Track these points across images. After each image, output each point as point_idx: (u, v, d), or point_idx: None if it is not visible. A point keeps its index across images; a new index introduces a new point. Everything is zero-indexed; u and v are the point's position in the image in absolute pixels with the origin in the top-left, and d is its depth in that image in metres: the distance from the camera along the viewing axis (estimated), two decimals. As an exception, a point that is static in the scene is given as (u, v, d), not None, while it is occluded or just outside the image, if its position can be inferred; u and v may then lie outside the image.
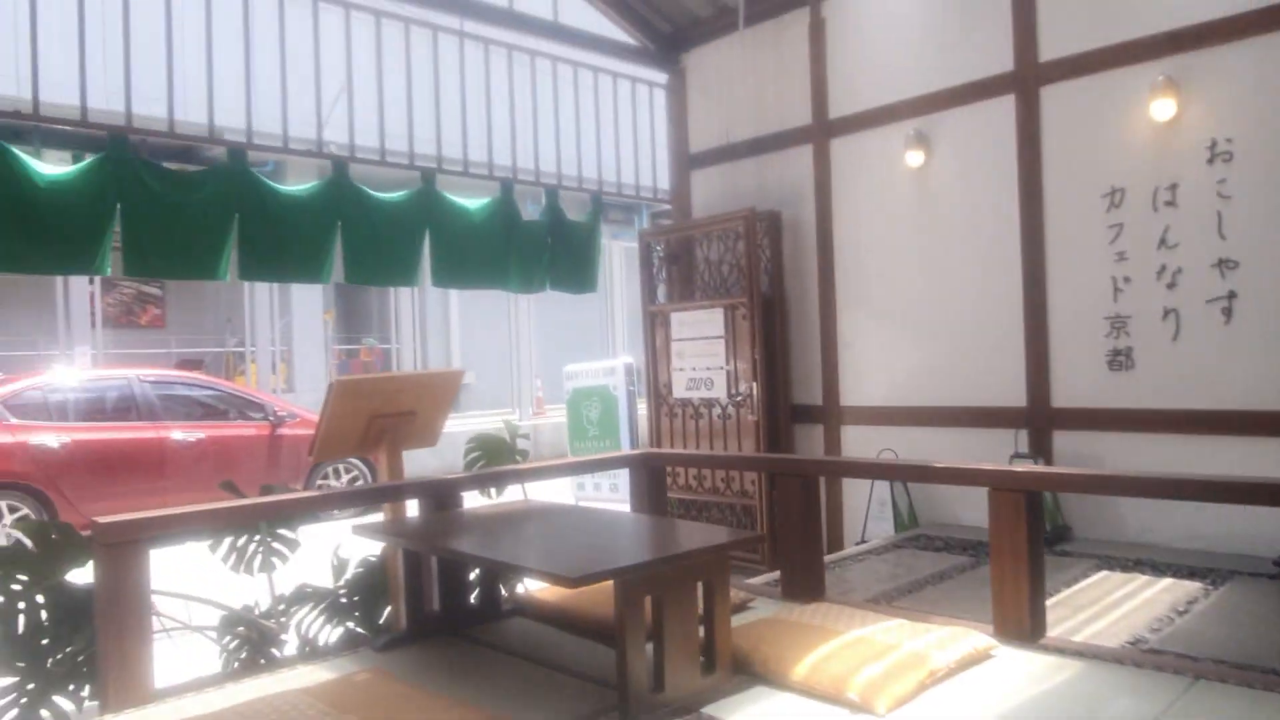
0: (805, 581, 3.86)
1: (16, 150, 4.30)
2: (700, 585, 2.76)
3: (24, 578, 3.01)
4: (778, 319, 6.52)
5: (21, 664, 2.97)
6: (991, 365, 5.59)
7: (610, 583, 2.52)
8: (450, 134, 6.01)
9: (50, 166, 4.44)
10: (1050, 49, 5.29)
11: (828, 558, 5.23)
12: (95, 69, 4.70)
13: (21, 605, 3.00)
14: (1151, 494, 3.38)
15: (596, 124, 6.91)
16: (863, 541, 5.87)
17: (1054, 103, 5.30)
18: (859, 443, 6.26)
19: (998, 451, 5.44)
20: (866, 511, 6.00)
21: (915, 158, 5.83)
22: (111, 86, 4.90)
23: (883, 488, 5.88)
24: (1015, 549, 3.21)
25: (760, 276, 6.44)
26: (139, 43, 4.78)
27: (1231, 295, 4.69)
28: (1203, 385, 4.80)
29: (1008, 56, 5.45)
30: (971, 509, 5.56)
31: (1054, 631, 3.34)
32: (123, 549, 2.82)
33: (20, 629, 2.99)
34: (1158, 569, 4.55)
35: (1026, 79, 5.37)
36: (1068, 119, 5.24)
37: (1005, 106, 5.47)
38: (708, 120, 7.18)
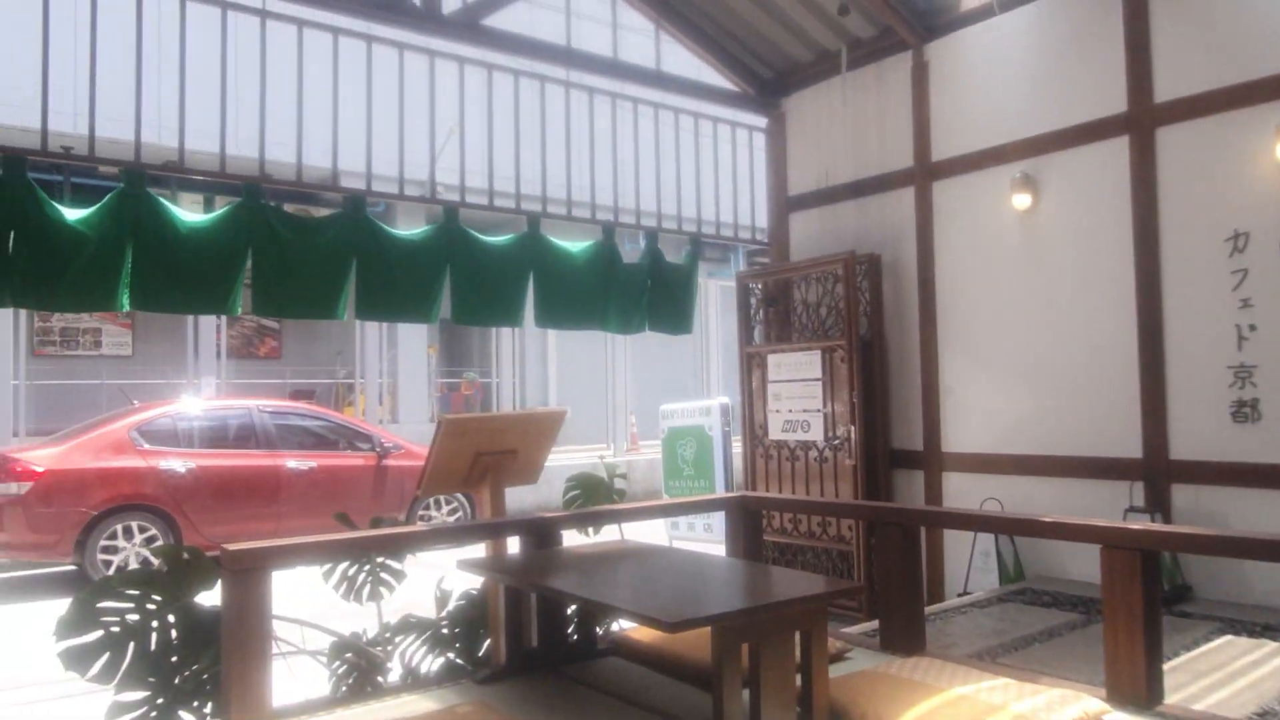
0: (905, 634, 3.78)
1: (164, 200, 4.66)
2: (798, 634, 2.75)
3: (158, 598, 3.22)
4: (876, 362, 6.45)
5: (152, 679, 3.16)
6: (1104, 414, 5.39)
7: (707, 628, 2.54)
8: (555, 178, 6.22)
9: (188, 212, 4.80)
10: (1166, 90, 5.13)
11: (928, 609, 5.10)
12: (230, 118, 5.07)
13: (154, 624, 3.21)
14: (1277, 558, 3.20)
15: (696, 167, 7.02)
16: (965, 593, 5.70)
17: (1171, 145, 5.13)
18: (961, 491, 6.10)
19: (1111, 504, 5.23)
20: (969, 562, 5.83)
21: (1022, 200, 5.72)
22: (243, 135, 5.27)
23: (986, 538, 5.70)
24: (1130, 610, 3.09)
25: (859, 319, 6.39)
26: (270, 97, 5.13)
27: (1370, 345, 4.42)
28: (1338, 440, 4.52)
29: (1121, 98, 5.32)
30: (1082, 563, 5.34)
31: (1172, 698, 3.18)
32: (248, 575, 3.00)
33: (152, 646, 3.19)
34: (1289, 636, 4.28)
35: (1141, 120, 5.23)
36: (1186, 161, 5.07)
37: (1118, 148, 5.33)
38: (807, 163, 7.21)
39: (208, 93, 4.88)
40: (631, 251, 6.55)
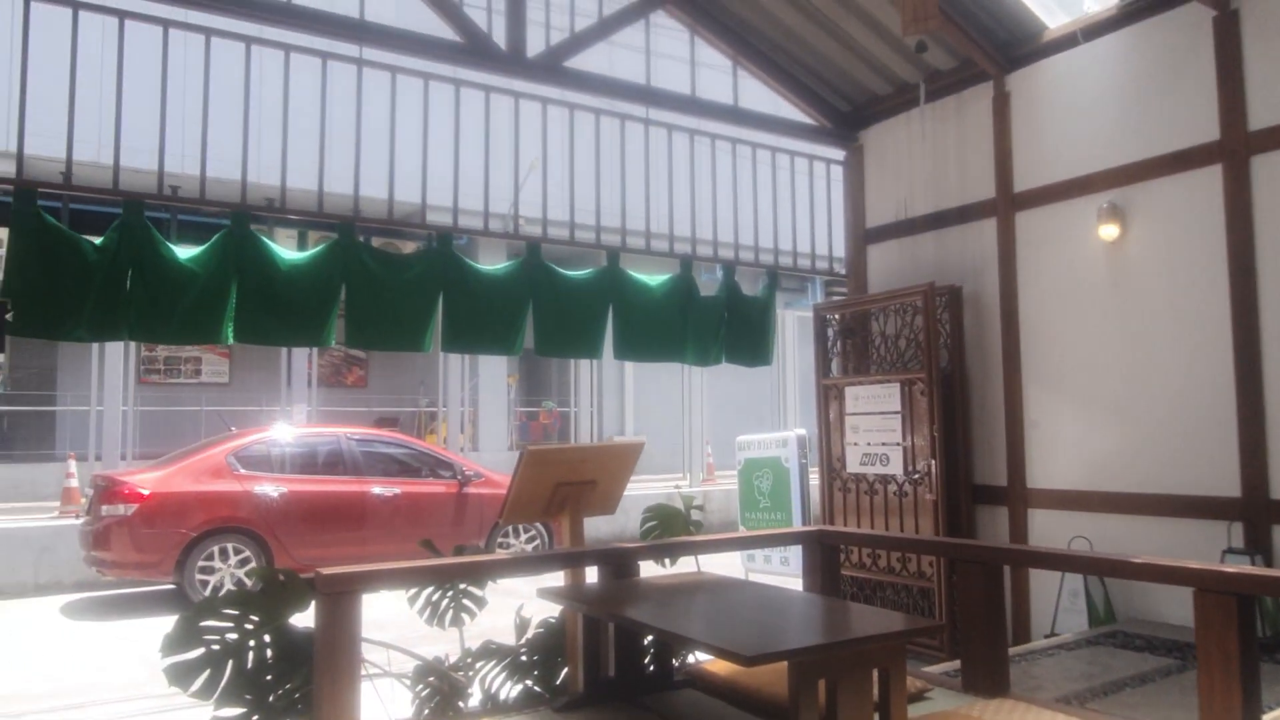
0: (988, 675, 3.70)
1: (264, 238, 4.93)
2: (876, 672, 2.74)
3: (256, 618, 3.38)
4: (958, 395, 6.35)
5: (249, 697, 3.31)
6: (1199, 451, 5.20)
7: (783, 663, 2.56)
8: (634, 213, 6.35)
9: (287, 250, 5.07)
10: (1261, 118, 4.98)
11: (1013, 650, 4.97)
12: (326, 160, 5.34)
13: (252, 643, 3.37)
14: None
15: (773, 200, 7.07)
16: (1052, 634, 5.52)
17: (1267, 173, 4.97)
18: (1048, 528, 5.94)
19: (1208, 545, 5.02)
20: (1057, 602, 5.66)
21: (1109, 231, 5.59)
22: (338, 173, 5.54)
23: (1075, 578, 5.53)
24: (1225, 657, 2.98)
25: (939, 351, 6.31)
26: (364, 138, 5.40)
27: None
28: None
29: (1213, 126, 5.18)
30: (1178, 605, 5.13)
31: (1273, 752, 3.05)
32: (340, 599, 3.13)
33: (249, 665, 3.34)
34: (1406, 689, 4.04)
35: (1235, 149, 5.08)
36: (1283, 190, 4.90)
37: (1210, 177, 5.18)
38: (885, 195, 7.18)
39: (307, 136, 5.17)
40: (709, 284, 6.63)
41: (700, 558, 4.46)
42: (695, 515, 4.84)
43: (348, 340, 5.23)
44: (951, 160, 6.66)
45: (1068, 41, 5.91)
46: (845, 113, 7.40)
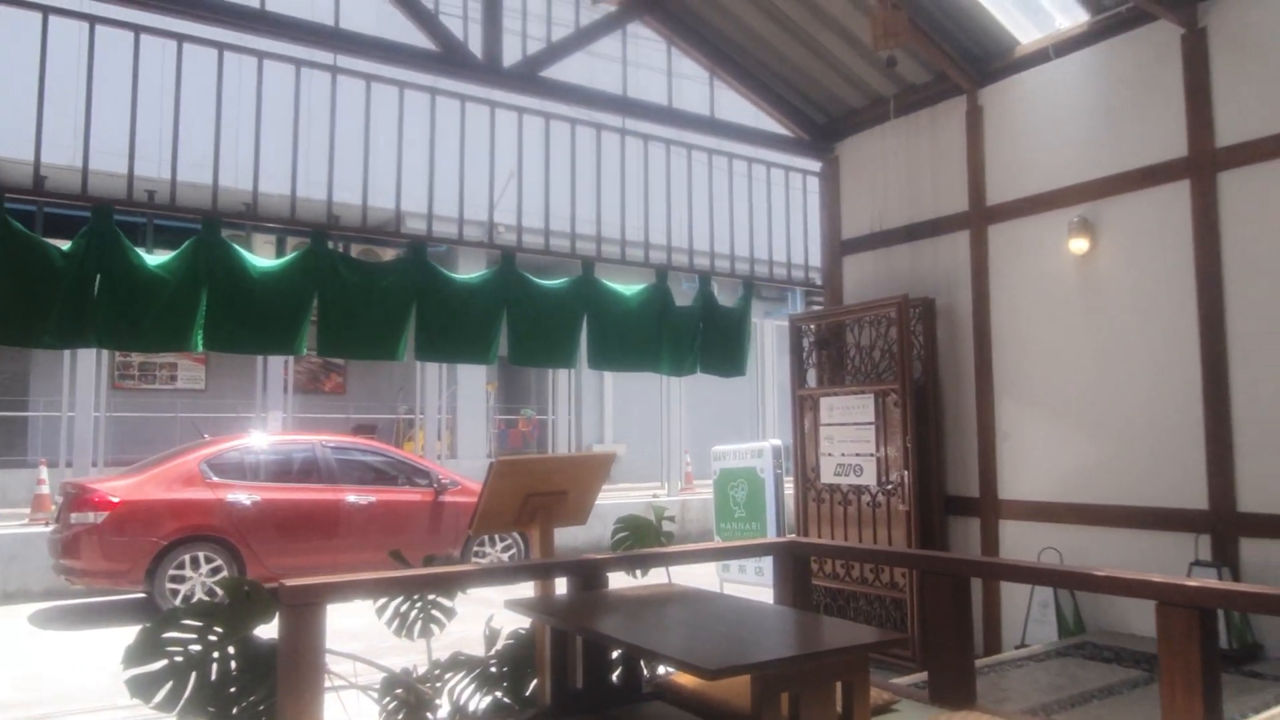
0: (955, 687, 3.72)
1: (236, 246, 4.90)
2: (841, 685, 2.75)
3: (219, 630, 3.34)
4: (931, 407, 6.39)
5: (212, 709, 3.28)
6: (1167, 463, 5.26)
7: (749, 675, 2.56)
8: (610, 222, 6.35)
9: (259, 257, 5.03)
10: (1228, 134, 5.06)
11: (982, 662, 5.00)
12: (301, 166, 5.31)
13: (215, 655, 3.33)
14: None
15: (750, 210, 7.09)
16: (1022, 646, 5.56)
17: (1234, 189, 5.04)
18: (1019, 539, 5.98)
19: (1176, 557, 5.08)
20: (1027, 614, 5.69)
21: (1080, 245, 5.65)
22: (313, 179, 5.51)
23: (1045, 589, 5.56)
24: (1187, 670, 3.01)
25: (913, 363, 6.35)
26: (338, 145, 5.37)
27: None
28: None
29: (1181, 142, 5.25)
30: (1146, 617, 5.13)
31: (1234, 764, 3.07)
32: (303, 610, 3.11)
33: (213, 677, 3.31)
34: (1368, 701, 4.09)
35: (1202, 165, 5.15)
36: (1250, 205, 4.97)
37: (1178, 193, 5.25)
38: (860, 206, 7.23)
39: (282, 143, 5.14)
40: (686, 293, 6.64)
41: (674, 569, 4.46)
42: (667, 526, 4.84)
43: (320, 349, 5.20)
44: (926, 173, 6.72)
45: (1039, 57, 5.98)
46: (821, 124, 7.44)
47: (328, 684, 3.80)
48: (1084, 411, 5.69)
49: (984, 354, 6.24)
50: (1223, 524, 5.00)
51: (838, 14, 6.21)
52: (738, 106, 7.27)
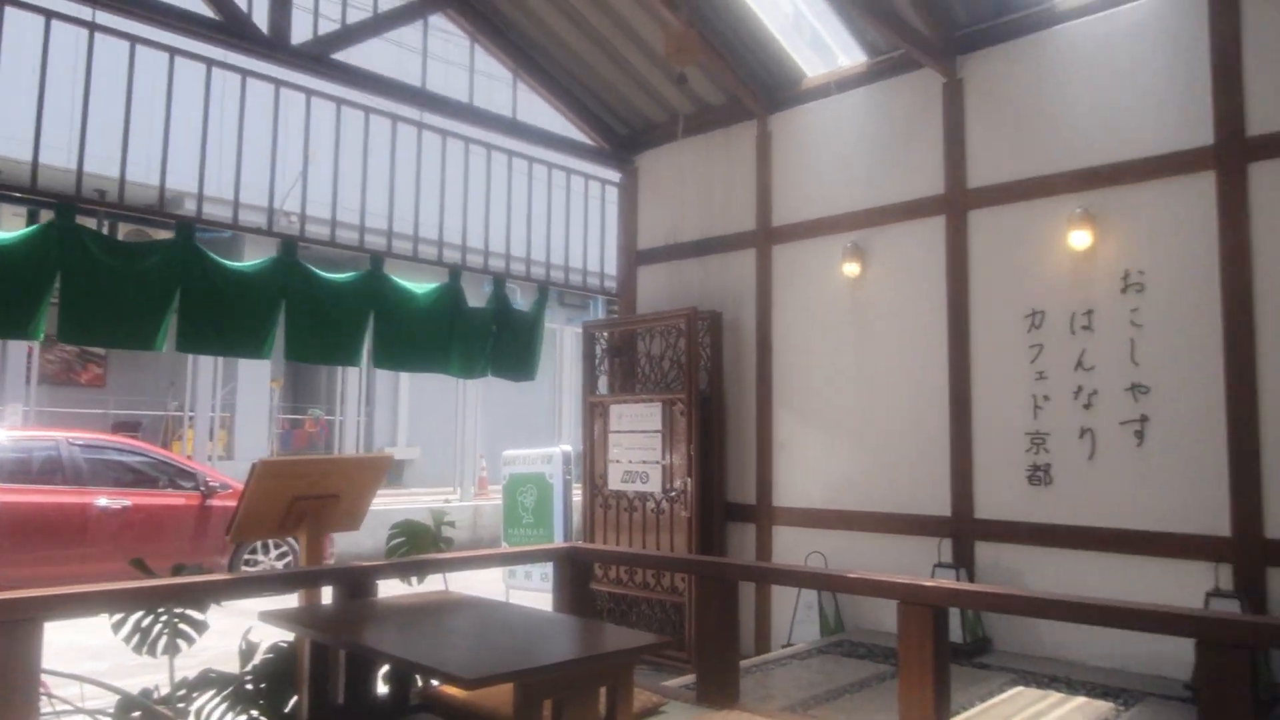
0: (721, 687, 3.85)
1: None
2: (605, 690, 2.76)
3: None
4: (715, 417, 6.63)
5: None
6: (919, 474, 5.73)
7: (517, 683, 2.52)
8: (402, 217, 6.13)
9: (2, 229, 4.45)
10: (977, 176, 5.59)
11: (750, 662, 5.23)
12: (58, 132, 4.75)
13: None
14: (1053, 616, 3.44)
15: (548, 216, 7.08)
16: (788, 645, 5.87)
17: (981, 227, 5.58)
18: (790, 544, 6.31)
19: (924, 559, 5.53)
20: (794, 615, 6.01)
21: (852, 269, 6.06)
22: (66, 147, 4.95)
23: (810, 591, 5.90)
24: (922, 664, 3.26)
25: (699, 374, 6.56)
26: (97, 109, 4.84)
27: (1144, 419, 4.90)
28: (1117, 504, 4.95)
29: (940, 180, 5.75)
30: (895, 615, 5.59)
31: (959, 748, 3.36)
32: (15, 627, 2.75)
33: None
34: (1072, 686, 4.61)
35: (956, 203, 5.66)
36: (993, 243, 5.52)
37: (936, 227, 5.75)
38: (657, 219, 7.41)
39: (26, 103, 4.57)
40: (487, 292, 6.51)
41: (461, 577, 4.34)
42: (448, 532, 4.71)
43: (60, 334, 4.65)
44: (718, 191, 6.98)
45: (824, 91, 6.37)
46: (622, 135, 7.56)
47: (49, 710, 3.40)
48: (851, 424, 6.10)
49: (765, 367, 6.55)
50: (962, 530, 5.51)
51: (640, 28, 6.34)
52: (541, 111, 7.25)
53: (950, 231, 5.67)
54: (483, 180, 6.58)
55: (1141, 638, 4.75)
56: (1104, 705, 4.33)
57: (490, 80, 7.24)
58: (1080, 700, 4.41)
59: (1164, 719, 4.19)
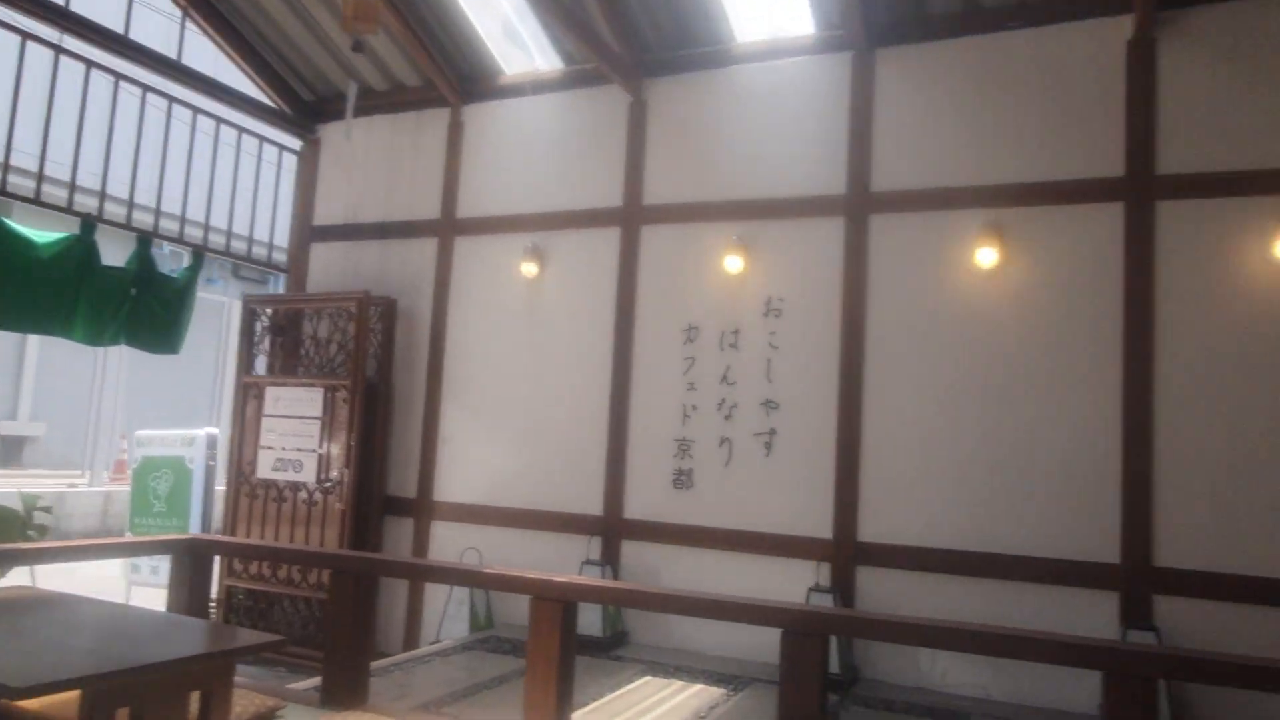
0: (348, 687, 3.69)
1: None
2: (198, 696, 2.51)
3: None
4: (381, 407, 6.39)
5: None
6: (577, 474, 5.91)
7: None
8: (26, 152, 5.25)
9: None
10: (653, 194, 5.91)
11: (389, 660, 5.09)
12: None
13: None
14: (686, 612, 3.69)
15: (211, 175, 6.42)
16: (435, 642, 5.78)
17: (651, 242, 5.89)
18: (447, 540, 6.24)
19: (577, 556, 5.71)
20: (444, 611, 5.94)
21: (530, 269, 6.13)
22: None
23: (462, 588, 5.86)
24: (548, 657, 3.34)
25: (368, 361, 6.29)
26: None
27: (772, 432, 5.43)
28: (747, 508, 5.44)
29: (619, 193, 6.00)
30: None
31: (577, 739, 3.47)
32: None
33: None
34: (693, 675, 4.98)
35: (631, 217, 5.94)
36: (661, 258, 5.85)
37: (612, 238, 5.99)
38: (337, 195, 7.02)
39: None
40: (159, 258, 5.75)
41: (79, 572, 3.76)
42: (41, 518, 4.10)
43: None
44: (405, 174, 6.76)
45: (518, 89, 6.40)
46: (308, 102, 7.09)
47: None
48: (518, 422, 6.16)
49: (437, 359, 6.43)
50: (611, 529, 5.76)
51: (333, -9, 5.98)
52: (216, 60, 6.57)
53: (624, 243, 5.93)
54: (133, 122, 5.81)
55: (757, 629, 5.29)
56: (717, 691, 4.73)
57: (155, 14, 6.45)
58: (698, 687, 4.78)
59: (767, 699, 4.65)
